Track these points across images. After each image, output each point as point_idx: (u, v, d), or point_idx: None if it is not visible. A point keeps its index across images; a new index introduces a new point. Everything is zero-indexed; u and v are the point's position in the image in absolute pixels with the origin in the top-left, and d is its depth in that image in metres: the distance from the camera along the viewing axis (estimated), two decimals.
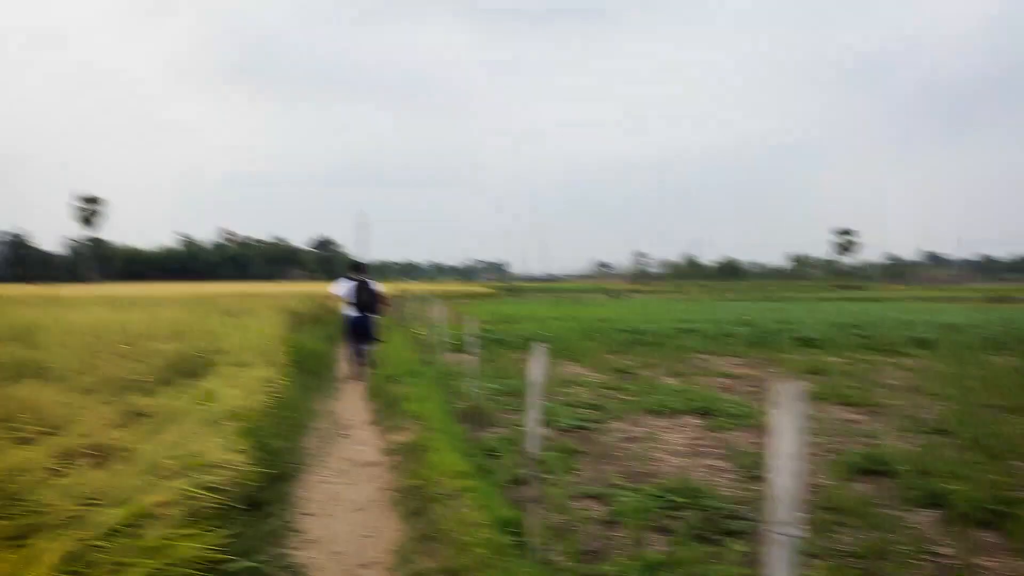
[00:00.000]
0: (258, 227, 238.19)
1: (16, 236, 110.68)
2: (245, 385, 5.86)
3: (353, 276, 11.94)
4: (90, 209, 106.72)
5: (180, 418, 4.77)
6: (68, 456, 4.26)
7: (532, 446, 4.00)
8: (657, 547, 4.22)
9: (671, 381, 11.33)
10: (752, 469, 6.02)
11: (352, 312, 11.64)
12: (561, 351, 14.99)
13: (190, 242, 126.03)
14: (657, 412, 8.86)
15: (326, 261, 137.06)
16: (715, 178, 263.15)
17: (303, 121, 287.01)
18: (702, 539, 4.35)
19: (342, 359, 12.68)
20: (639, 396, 9.82)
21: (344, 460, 5.89)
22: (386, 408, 7.67)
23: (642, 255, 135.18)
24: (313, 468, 5.54)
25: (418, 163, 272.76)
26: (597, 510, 4.93)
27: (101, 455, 4.23)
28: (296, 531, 4.17)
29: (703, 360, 14.23)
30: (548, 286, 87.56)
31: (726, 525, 4.62)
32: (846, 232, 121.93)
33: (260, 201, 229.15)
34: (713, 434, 7.72)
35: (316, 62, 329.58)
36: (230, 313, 12.79)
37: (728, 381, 11.54)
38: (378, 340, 12.26)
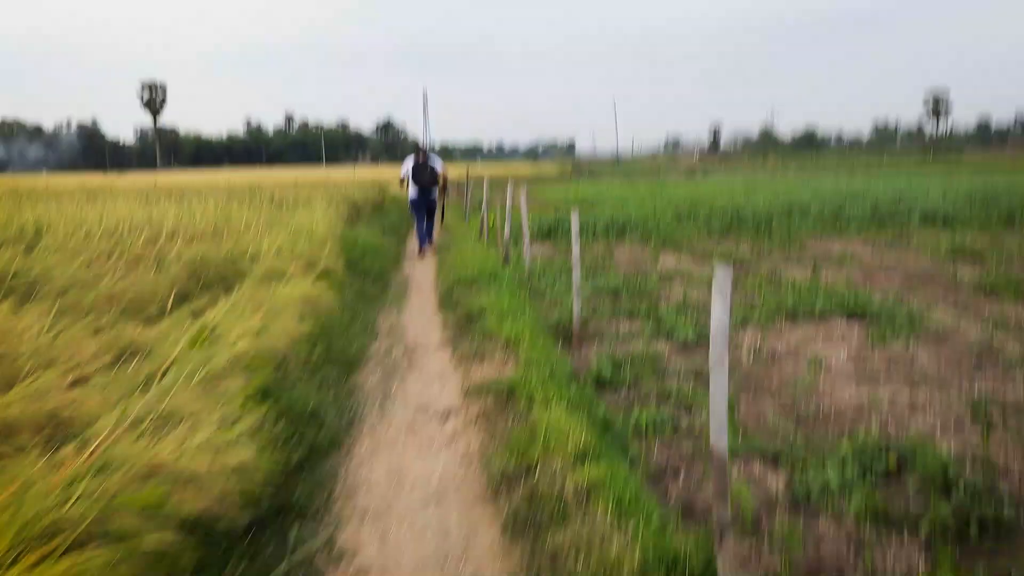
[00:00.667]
0: (325, 109, 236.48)
1: (88, 126, 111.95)
2: (276, 307, 4.36)
3: (417, 156, 12.48)
4: (155, 95, 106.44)
5: (174, 366, 3.27)
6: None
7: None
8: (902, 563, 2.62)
9: (795, 273, 9.48)
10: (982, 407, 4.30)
11: (414, 190, 12.31)
12: (653, 238, 13.22)
13: (255, 128, 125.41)
14: (796, 316, 7.10)
15: (390, 144, 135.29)
16: (795, 41, 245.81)
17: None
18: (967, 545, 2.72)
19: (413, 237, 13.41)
20: (763, 294, 8.04)
21: (410, 408, 4.37)
22: (463, 323, 6.12)
23: (717, 128, 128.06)
24: (366, 426, 4.04)
25: (483, 39, 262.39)
26: (776, 486, 3.33)
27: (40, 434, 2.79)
28: (336, 552, 2.68)
29: (822, 245, 12.21)
30: (621, 165, 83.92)
31: (994, 515, 2.96)
32: (938, 94, 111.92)
33: (327, 82, 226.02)
34: (882, 348, 5.94)
35: None
36: (282, 204, 11.32)
37: (864, 272, 9.61)
38: (440, 215, 13.64)
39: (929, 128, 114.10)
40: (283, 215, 9.79)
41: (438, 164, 12.59)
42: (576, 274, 5.27)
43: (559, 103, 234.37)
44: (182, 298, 5.38)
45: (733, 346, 6.25)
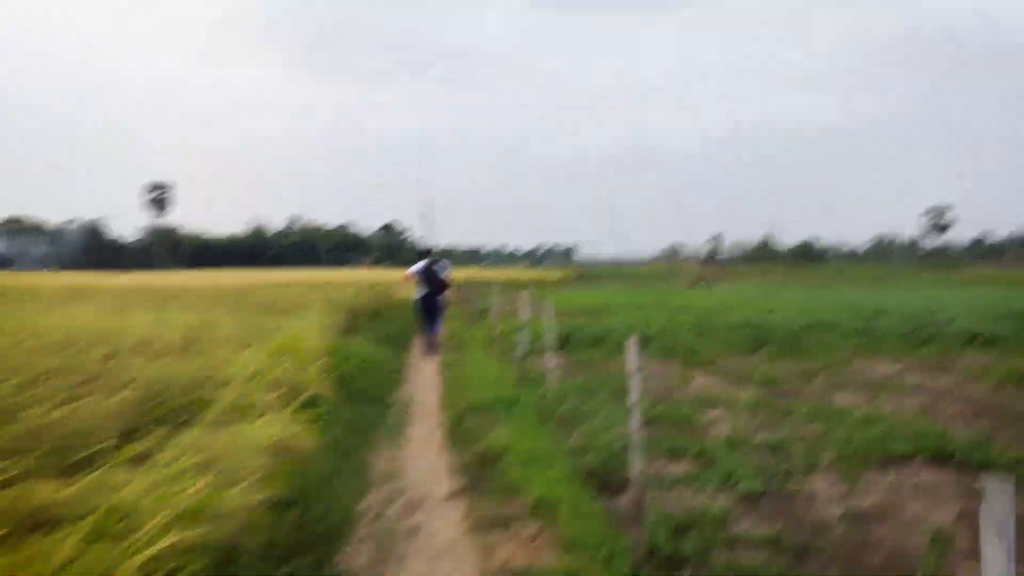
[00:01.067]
0: (326, 213, 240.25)
1: (92, 224, 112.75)
2: (234, 463, 3.26)
3: (424, 259, 13.42)
4: (159, 195, 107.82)
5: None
6: None
7: None
8: None
9: (847, 400, 8.37)
10: None
11: (420, 293, 13.18)
12: (673, 352, 12.15)
13: (256, 229, 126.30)
14: (869, 458, 5.96)
15: (391, 246, 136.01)
16: (793, 157, 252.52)
17: (370, 102, 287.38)
18: None
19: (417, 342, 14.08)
20: (822, 428, 6.91)
21: None
22: (478, 468, 4.96)
23: (717, 238, 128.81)
24: None
25: (481, 145, 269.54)
26: None
27: None
28: None
29: (864, 365, 11.13)
30: (621, 271, 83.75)
31: None
32: (940, 210, 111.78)
33: (328, 186, 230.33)
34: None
35: (376, 43, 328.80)
36: (272, 310, 10.30)
37: (925, 400, 8.48)
38: (442, 318, 14.01)
39: (929, 242, 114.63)
40: (272, 322, 8.73)
41: (446, 269, 13.61)
42: (635, 419, 4.14)
43: (559, 210, 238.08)
44: (128, 434, 4.27)
45: (805, 498, 5.10)
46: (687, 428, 6.81)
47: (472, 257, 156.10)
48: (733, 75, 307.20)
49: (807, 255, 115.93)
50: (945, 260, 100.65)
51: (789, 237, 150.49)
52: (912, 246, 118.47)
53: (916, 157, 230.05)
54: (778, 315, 18.13)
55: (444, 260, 13.78)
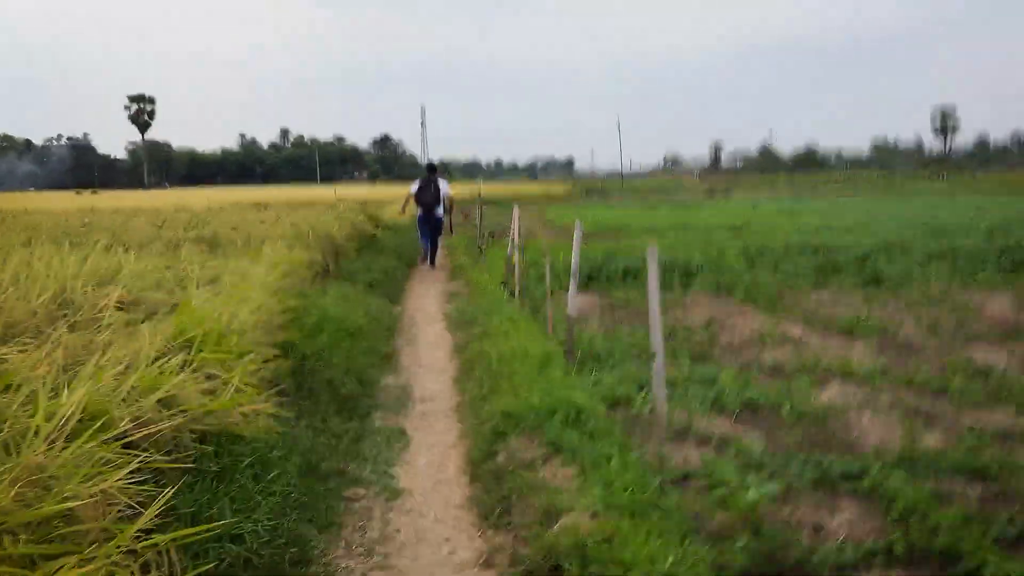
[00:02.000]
0: (321, 127, 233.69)
1: (79, 141, 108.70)
2: None
3: (430, 175, 13.21)
4: (142, 109, 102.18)
5: None
6: None
7: None
8: None
9: (988, 355, 6.19)
10: None
11: (421, 209, 12.99)
12: (729, 288, 9.87)
13: (248, 144, 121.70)
14: None
15: (387, 160, 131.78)
16: (792, 64, 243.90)
17: (369, 22, 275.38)
18: None
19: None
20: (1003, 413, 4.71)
21: None
22: (507, 501, 2.78)
23: (718, 147, 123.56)
24: None
25: (480, 63, 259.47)
26: None
27: None
28: None
29: (971, 299, 8.82)
30: (625, 184, 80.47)
31: None
32: (945, 111, 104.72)
33: (323, 100, 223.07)
34: None
35: None
36: (225, 247, 7.95)
37: None
38: (444, 235, 14.21)
39: (935, 145, 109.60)
40: (224, 264, 6.39)
41: (443, 185, 13.19)
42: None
43: (557, 121, 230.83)
44: None
45: None
46: (817, 425, 4.59)
47: (469, 171, 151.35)
48: None
49: (810, 162, 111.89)
50: (952, 165, 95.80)
51: (786, 144, 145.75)
52: (917, 151, 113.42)
53: (914, 61, 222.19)
54: (831, 233, 15.82)
55: (441, 179, 13.36)
